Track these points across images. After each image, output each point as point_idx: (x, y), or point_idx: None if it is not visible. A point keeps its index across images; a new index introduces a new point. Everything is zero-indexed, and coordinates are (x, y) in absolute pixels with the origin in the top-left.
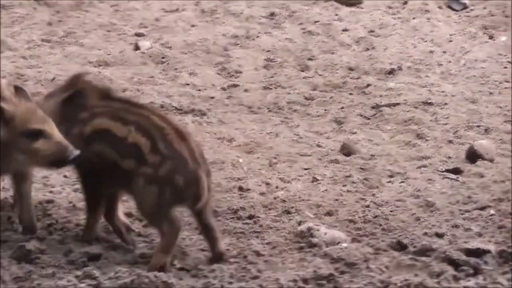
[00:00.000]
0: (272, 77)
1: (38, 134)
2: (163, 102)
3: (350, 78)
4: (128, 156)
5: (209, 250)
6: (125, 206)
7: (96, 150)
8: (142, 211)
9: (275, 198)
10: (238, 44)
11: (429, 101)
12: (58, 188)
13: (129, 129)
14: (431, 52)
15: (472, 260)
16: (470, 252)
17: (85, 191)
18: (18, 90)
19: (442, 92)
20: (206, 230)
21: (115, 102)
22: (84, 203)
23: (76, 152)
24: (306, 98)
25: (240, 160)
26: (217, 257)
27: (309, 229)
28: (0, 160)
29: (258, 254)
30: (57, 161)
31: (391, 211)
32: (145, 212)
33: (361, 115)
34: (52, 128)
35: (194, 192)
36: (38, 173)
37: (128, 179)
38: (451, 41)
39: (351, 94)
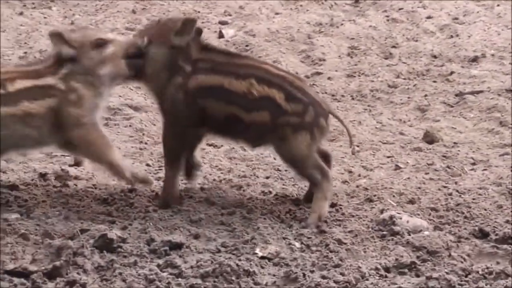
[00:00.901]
0: (355, 65)
1: (105, 43)
2: None
3: (434, 65)
4: (257, 109)
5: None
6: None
7: (203, 106)
8: (290, 158)
9: (357, 186)
10: (322, 31)
11: None
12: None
13: (250, 82)
14: None
15: None
16: None
17: (169, 145)
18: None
19: None
20: (326, 157)
21: (217, 55)
22: (165, 160)
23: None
24: (389, 86)
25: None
26: None
27: (391, 217)
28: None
29: (340, 242)
30: (133, 54)
31: (473, 199)
32: (294, 160)
33: (444, 103)
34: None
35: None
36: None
37: (257, 132)
38: None
39: (434, 81)
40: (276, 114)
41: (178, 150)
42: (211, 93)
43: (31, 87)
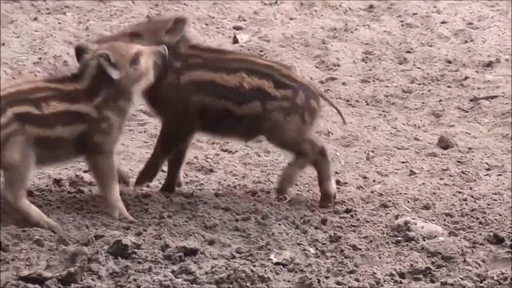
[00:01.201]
0: (370, 70)
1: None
2: None
3: (448, 70)
4: (247, 101)
5: None
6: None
7: (196, 101)
8: (284, 141)
9: (372, 191)
10: (336, 37)
11: None
12: (155, 183)
13: (241, 76)
14: None
15: None
16: None
17: (168, 144)
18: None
19: None
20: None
21: (205, 52)
22: (158, 152)
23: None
24: (404, 91)
25: (338, 154)
26: None
27: (406, 222)
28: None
29: (355, 248)
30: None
31: (488, 205)
32: (286, 142)
33: (459, 108)
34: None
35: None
36: (135, 169)
37: (249, 123)
38: None
39: (449, 86)
40: (266, 102)
41: (174, 145)
42: (203, 88)
43: (65, 112)
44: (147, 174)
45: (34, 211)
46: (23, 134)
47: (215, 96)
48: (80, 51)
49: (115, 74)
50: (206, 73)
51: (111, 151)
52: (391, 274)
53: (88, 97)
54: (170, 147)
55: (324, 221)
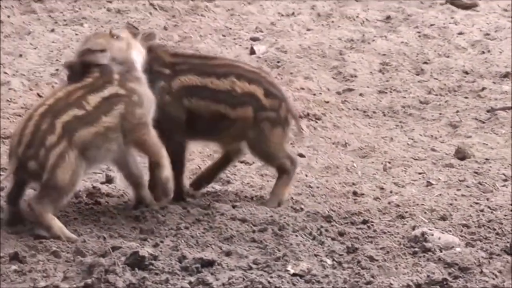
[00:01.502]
0: (387, 81)
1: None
2: None
3: (465, 81)
4: (241, 105)
5: None
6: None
7: (189, 105)
8: (265, 153)
9: (389, 202)
10: (353, 48)
11: None
12: None
13: (231, 80)
14: None
15: None
16: None
17: (172, 148)
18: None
19: None
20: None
21: (190, 58)
22: (172, 165)
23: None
24: (421, 102)
25: (355, 165)
26: None
27: (423, 233)
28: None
29: (371, 259)
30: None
31: (505, 215)
32: (269, 154)
33: (476, 119)
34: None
35: None
36: None
37: (241, 127)
38: None
39: (466, 97)
40: (257, 109)
41: (181, 152)
42: (195, 93)
43: (101, 100)
44: (176, 189)
45: (57, 225)
46: (75, 148)
47: (208, 99)
48: (70, 67)
49: (103, 58)
50: (196, 78)
51: (150, 122)
52: (408, 285)
53: (107, 82)
54: (173, 155)
55: (341, 233)
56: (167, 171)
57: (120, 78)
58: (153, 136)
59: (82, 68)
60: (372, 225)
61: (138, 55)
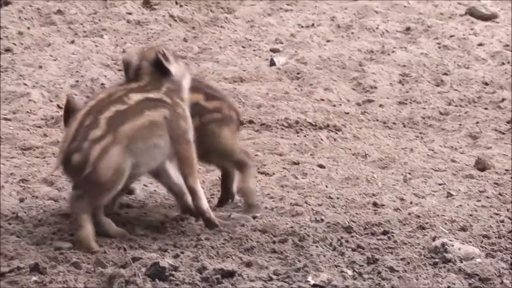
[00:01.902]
0: (407, 92)
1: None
2: (298, 118)
3: (485, 92)
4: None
5: None
6: None
7: None
8: (221, 152)
9: (409, 213)
10: (373, 59)
11: None
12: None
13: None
14: None
15: None
16: None
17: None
18: None
19: None
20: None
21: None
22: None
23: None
24: (441, 113)
25: (375, 176)
26: None
27: (443, 244)
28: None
29: (392, 270)
30: None
31: None
32: (226, 152)
33: (496, 130)
34: None
35: None
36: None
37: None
38: None
39: (486, 108)
40: (202, 115)
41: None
42: None
43: (145, 99)
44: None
45: (87, 228)
46: (119, 143)
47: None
48: (127, 64)
49: (172, 68)
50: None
51: (192, 141)
52: None
53: (154, 89)
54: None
55: (361, 245)
56: (205, 202)
57: (167, 91)
58: (194, 157)
59: (137, 70)
60: (393, 235)
61: (187, 83)
